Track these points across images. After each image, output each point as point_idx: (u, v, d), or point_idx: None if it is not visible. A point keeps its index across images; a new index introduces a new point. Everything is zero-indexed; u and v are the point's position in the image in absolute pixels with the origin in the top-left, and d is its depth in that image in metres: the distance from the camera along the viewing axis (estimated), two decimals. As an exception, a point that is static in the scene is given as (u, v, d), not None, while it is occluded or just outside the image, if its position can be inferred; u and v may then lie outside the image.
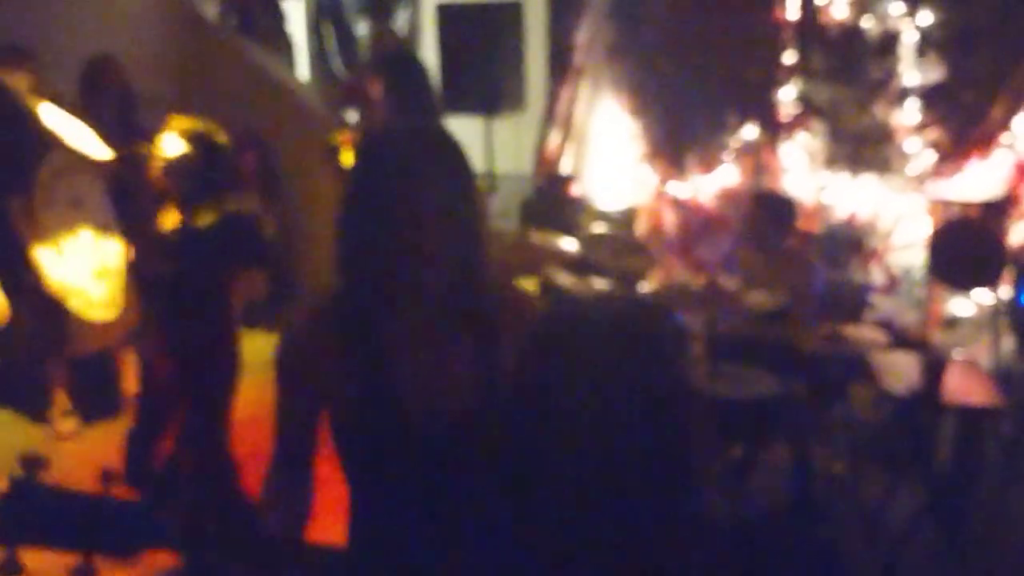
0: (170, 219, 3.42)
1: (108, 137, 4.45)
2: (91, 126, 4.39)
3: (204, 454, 3.30)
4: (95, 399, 4.46)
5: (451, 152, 1.44)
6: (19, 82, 4.18)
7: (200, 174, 3.34)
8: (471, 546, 1.42)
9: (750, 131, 5.35)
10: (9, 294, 3.83)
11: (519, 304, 1.53)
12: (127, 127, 4.62)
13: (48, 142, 4.09)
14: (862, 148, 4.93)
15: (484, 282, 1.45)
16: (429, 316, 1.44)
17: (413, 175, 1.39)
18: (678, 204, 5.67)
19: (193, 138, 3.41)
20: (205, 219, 3.33)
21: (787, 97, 5.19)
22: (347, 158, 4.47)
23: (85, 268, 4.22)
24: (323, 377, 1.48)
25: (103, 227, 4.29)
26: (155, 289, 3.70)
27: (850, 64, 4.95)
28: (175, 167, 3.35)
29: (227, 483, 3.28)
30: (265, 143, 4.56)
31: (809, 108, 5.11)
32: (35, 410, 4.62)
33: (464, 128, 6.15)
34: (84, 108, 4.47)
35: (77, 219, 4.19)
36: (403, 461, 1.46)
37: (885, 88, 4.91)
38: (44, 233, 4.11)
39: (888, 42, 4.87)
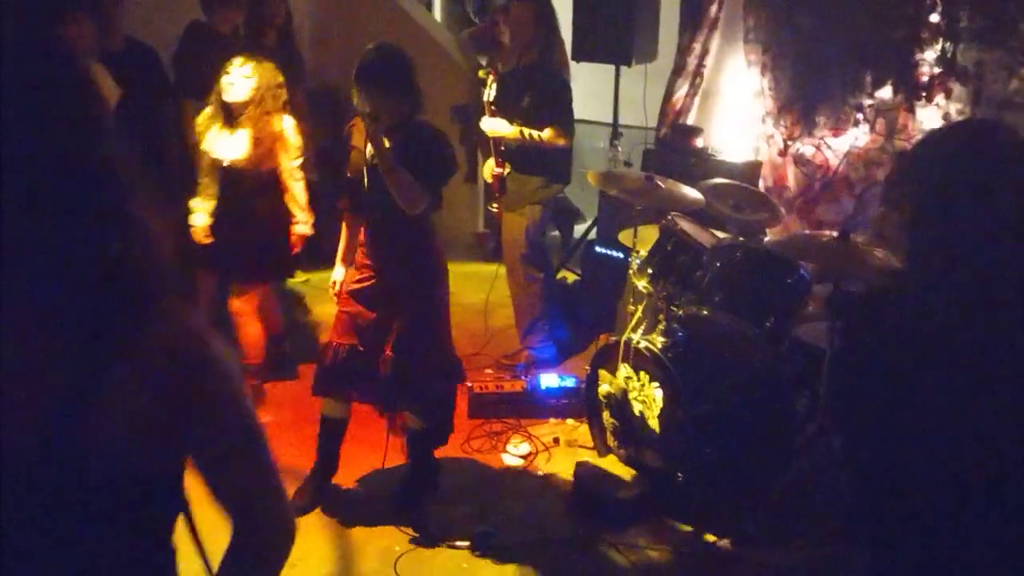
0: None
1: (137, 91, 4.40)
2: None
3: None
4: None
5: None
6: (84, 30, 3.83)
7: None
8: None
9: (886, 92, 5.17)
10: None
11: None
12: (155, 81, 4.84)
13: (95, 111, 4.11)
14: (1006, 114, 4.68)
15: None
16: None
17: None
18: (803, 162, 5.53)
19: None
20: None
21: (929, 58, 4.98)
22: (489, 93, 4.62)
23: None
24: None
25: None
26: None
27: (1001, 25, 4.71)
28: None
29: None
30: None
31: (951, 71, 4.89)
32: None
33: (592, 77, 6.18)
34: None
35: None
36: None
37: (1037, 52, 4.65)
38: None
39: (1044, 2, 4.60)
